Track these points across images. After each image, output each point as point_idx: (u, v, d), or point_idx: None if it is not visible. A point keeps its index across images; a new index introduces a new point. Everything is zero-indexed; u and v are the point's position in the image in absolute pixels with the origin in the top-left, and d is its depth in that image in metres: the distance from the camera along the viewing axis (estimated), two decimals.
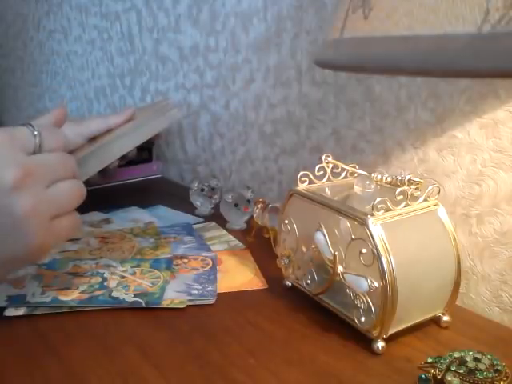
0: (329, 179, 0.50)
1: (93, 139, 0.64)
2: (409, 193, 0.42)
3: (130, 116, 0.68)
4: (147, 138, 0.70)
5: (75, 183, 0.44)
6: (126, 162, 0.92)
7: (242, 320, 0.46)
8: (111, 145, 0.64)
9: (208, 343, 0.43)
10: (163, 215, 0.75)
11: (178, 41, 0.95)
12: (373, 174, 0.49)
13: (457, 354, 0.36)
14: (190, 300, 0.49)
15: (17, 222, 0.38)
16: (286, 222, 0.50)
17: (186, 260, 0.58)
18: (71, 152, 0.59)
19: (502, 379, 0.34)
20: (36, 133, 0.41)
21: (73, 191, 0.43)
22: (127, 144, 0.67)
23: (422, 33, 0.26)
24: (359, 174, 0.49)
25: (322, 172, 0.49)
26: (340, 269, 0.43)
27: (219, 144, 0.89)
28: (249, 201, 0.67)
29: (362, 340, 0.42)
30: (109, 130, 0.66)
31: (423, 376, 0.36)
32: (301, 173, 0.49)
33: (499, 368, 0.35)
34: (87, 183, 0.58)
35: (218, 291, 0.51)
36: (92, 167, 0.62)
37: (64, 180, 0.43)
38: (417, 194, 0.43)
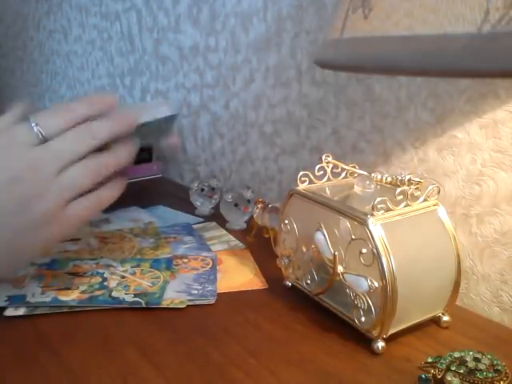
0: (329, 179, 0.50)
1: None
2: (409, 193, 0.42)
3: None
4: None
5: (89, 161, 0.43)
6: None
7: (242, 320, 0.46)
8: None
9: (208, 343, 0.43)
10: (163, 215, 0.75)
11: (178, 41, 0.95)
12: (373, 174, 0.49)
13: (457, 354, 0.36)
14: (189, 300, 0.49)
15: (33, 223, 0.40)
16: (286, 221, 0.50)
17: (185, 260, 0.58)
18: None
19: (501, 379, 0.34)
20: (33, 124, 0.41)
21: (86, 171, 0.43)
22: None
23: (422, 33, 0.26)
24: (359, 174, 0.49)
25: (321, 172, 0.49)
26: (340, 269, 0.43)
27: (219, 144, 0.89)
28: (249, 201, 0.67)
29: (361, 340, 0.42)
30: None
31: (423, 376, 0.36)
32: (301, 173, 0.49)
33: (499, 368, 0.35)
34: None
35: (218, 291, 0.51)
36: None
37: (78, 161, 0.43)
38: (417, 194, 0.43)
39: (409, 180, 0.46)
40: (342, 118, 0.65)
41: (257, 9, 0.75)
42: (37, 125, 0.41)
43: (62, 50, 1.50)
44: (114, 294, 0.50)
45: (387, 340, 0.41)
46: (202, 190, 0.74)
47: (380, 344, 0.41)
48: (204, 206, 0.75)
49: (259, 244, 0.63)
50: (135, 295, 0.49)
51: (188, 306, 0.48)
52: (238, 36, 0.80)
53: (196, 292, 0.51)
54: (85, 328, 0.45)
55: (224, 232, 0.68)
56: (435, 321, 0.45)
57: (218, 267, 0.57)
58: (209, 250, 0.62)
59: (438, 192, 0.44)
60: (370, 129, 0.61)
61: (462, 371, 0.35)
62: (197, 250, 0.61)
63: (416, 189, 0.44)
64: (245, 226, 0.69)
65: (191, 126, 0.96)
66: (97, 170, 0.44)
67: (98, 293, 0.50)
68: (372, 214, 0.40)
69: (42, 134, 0.41)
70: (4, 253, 0.41)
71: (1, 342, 0.43)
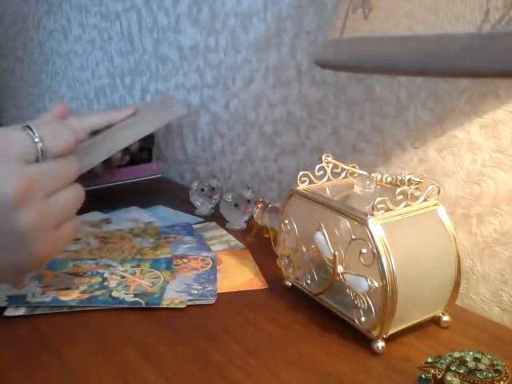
0: (329, 179, 0.50)
1: (93, 134, 0.65)
2: (409, 193, 0.42)
3: (130, 113, 0.69)
4: (150, 132, 0.70)
5: (75, 188, 0.43)
6: (127, 162, 0.92)
7: (242, 320, 0.46)
8: (114, 136, 0.65)
9: (208, 343, 0.43)
10: (163, 215, 0.75)
11: (178, 41, 0.95)
12: (373, 174, 0.49)
13: (457, 354, 0.36)
14: (189, 300, 0.49)
15: (20, 237, 0.38)
16: (286, 221, 0.50)
17: (185, 260, 0.58)
18: None
19: (501, 379, 0.34)
20: (37, 140, 0.39)
21: (73, 198, 0.43)
22: (130, 136, 0.68)
23: (421, 33, 0.26)
24: (359, 174, 0.49)
25: (321, 172, 0.49)
26: (340, 269, 0.43)
27: (219, 144, 0.89)
28: (249, 201, 0.67)
29: (361, 340, 0.42)
30: (109, 126, 0.66)
31: (423, 376, 0.36)
32: (301, 173, 0.49)
33: (499, 368, 0.35)
34: (90, 176, 0.58)
35: (218, 291, 0.51)
36: (96, 156, 0.62)
37: (65, 187, 0.42)
38: (417, 194, 0.43)
39: (409, 180, 0.46)
40: (342, 117, 0.65)
41: (257, 9, 0.75)
42: (41, 141, 0.39)
43: (62, 50, 1.50)
44: (114, 293, 0.50)
45: (387, 340, 0.41)
46: (202, 189, 0.74)
47: (380, 344, 0.41)
48: (204, 205, 0.75)
49: (259, 244, 0.63)
50: (135, 295, 0.49)
51: (188, 305, 0.48)
52: (237, 36, 0.80)
53: (196, 292, 0.51)
54: (85, 328, 0.45)
55: (224, 232, 0.68)
56: (435, 321, 0.45)
57: (218, 267, 0.57)
58: (209, 250, 0.62)
59: (438, 192, 0.44)
60: (369, 129, 0.61)
61: (462, 371, 0.35)
62: (197, 250, 0.61)
63: (416, 189, 0.44)
64: (245, 225, 0.69)
65: (191, 126, 0.96)
66: (79, 198, 0.44)
67: (98, 293, 0.50)
68: (372, 214, 0.40)
69: (41, 153, 0.40)
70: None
71: (1, 342, 0.43)
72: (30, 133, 0.39)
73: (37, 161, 0.40)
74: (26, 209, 0.37)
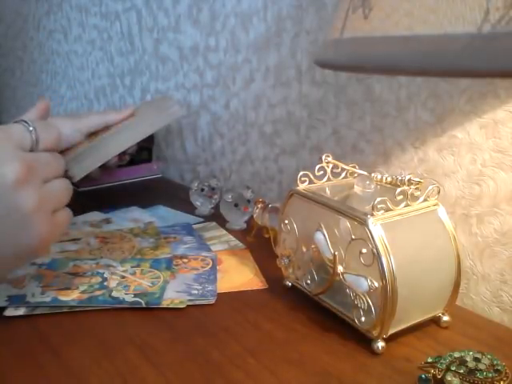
0: (329, 179, 0.50)
1: (91, 135, 0.64)
2: (409, 193, 0.42)
3: (128, 114, 0.68)
4: (147, 135, 0.70)
5: (64, 181, 0.46)
6: (127, 162, 0.92)
7: (242, 320, 0.46)
8: (110, 140, 0.64)
9: (208, 343, 0.43)
10: (163, 215, 0.75)
11: (178, 41, 0.95)
12: (373, 174, 0.49)
13: (457, 354, 0.36)
14: (189, 300, 0.49)
15: (24, 217, 0.39)
16: (286, 221, 0.50)
17: (185, 260, 0.58)
18: (70, 148, 0.60)
19: (501, 379, 0.34)
20: (31, 129, 0.42)
21: (64, 188, 0.45)
22: (127, 140, 0.67)
23: (421, 33, 0.26)
24: (359, 174, 0.49)
25: (321, 172, 0.49)
26: (340, 269, 0.43)
27: (219, 144, 0.89)
28: (249, 201, 0.67)
29: (362, 340, 0.42)
30: (107, 127, 0.66)
31: (423, 376, 0.36)
32: (301, 173, 0.49)
33: (499, 368, 0.35)
34: (88, 179, 0.57)
35: (218, 291, 0.51)
36: (91, 162, 0.62)
37: (56, 178, 0.44)
38: (417, 194, 0.43)
39: (409, 180, 0.46)
40: (342, 118, 0.65)
41: (257, 9, 0.75)
42: (35, 131, 0.42)
43: (61, 49, 1.50)
44: (114, 294, 0.50)
45: (387, 340, 0.41)
46: (202, 189, 0.74)
47: (380, 344, 0.41)
48: (204, 206, 0.75)
49: (259, 244, 0.63)
50: (135, 295, 0.49)
51: (188, 305, 0.48)
52: (237, 36, 0.80)
53: (196, 292, 0.51)
54: (85, 328, 0.45)
55: (224, 232, 0.68)
56: (435, 321, 0.45)
57: (218, 267, 0.57)
58: (209, 250, 0.62)
59: (438, 192, 0.44)
60: (369, 129, 0.61)
61: (462, 371, 0.35)
62: (197, 250, 0.61)
63: (416, 189, 0.44)
64: (245, 226, 0.69)
65: (191, 126, 0.96)
66: (69, 190, 0.46)
67: (97, 293, 0.50)
68: (372, 214, 0.40)
69: (35, 143, 0.42)
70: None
71: (1, 342, 0.43)
72: (25, 124, 0.42)
73: (31, 150, 0.42)
74: (27, 190, 0.39)
